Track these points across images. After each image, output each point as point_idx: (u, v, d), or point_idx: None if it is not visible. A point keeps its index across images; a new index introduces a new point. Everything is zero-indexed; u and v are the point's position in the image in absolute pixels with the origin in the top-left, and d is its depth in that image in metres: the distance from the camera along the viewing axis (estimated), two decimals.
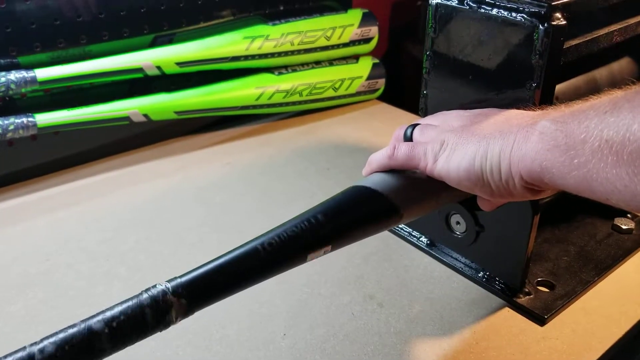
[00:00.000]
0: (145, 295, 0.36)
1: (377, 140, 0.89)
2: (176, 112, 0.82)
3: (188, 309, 0.37)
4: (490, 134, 0.43)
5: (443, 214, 0.61)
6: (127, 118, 0.78)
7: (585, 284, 0.59)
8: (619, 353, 0.53)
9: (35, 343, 0.33)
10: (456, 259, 0.62)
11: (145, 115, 0.80)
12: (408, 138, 0.50)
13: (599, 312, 0.56)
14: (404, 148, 0.48)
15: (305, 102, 0.93)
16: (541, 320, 0.55)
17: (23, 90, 0.72)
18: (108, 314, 0.34)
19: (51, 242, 0.66)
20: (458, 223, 0.60)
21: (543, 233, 0.66)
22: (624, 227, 0.66)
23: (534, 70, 0.49)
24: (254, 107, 0.89)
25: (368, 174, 0.50)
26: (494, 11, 0.51)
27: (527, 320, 0.55)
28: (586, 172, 0.35)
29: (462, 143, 0.44)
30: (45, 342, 0.32)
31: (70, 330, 0.33)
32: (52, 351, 0.32)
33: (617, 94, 0.35)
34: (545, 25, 0.47)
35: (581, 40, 0.53)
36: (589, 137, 0.35)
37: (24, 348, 0.33)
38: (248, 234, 0.43)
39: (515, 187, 0.42)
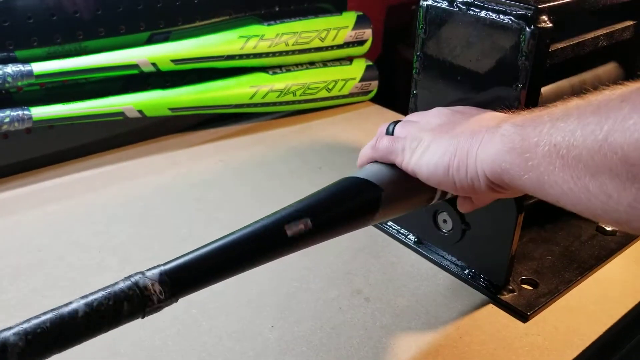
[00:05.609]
0: (127, 282, 0.37)
1: (369, 141, 0.90)
2: (170, 109, 0.83)
3: (171, 295, 0.38)
4: (461, 132, 0.45)
5: (430, 212, 0.62)
6: (121, 113, 0.79)
7: (568, 283, 0.60)
8: (600, 350, 0.54)
9: (9, 328, 0.33)
10: (442, 257, 0.63)
11: (140, 111, 0.80)
12: (390, 133, 0.52)
13: (581, 310, 0.57)
14: (385, 141, 0.50)
15: (299, 102, 0.94)
16: (524, 317, 0.56)
17: (19, 83, 0.72)
18: (88, 298, 0.35)
19: (43, 235, 0.67)
20: (445, 221, 0.61)
21: (529, 233, 0.67)
22: (608, 228, 0.67)
23: (520, 71, 0.50)
24: (248, 105, 0.90)
25: (359, 166, 0.52)
26: (483, 13, 0.52)
27: (510, 316, 0.56)
28: (539, 174, 0.37)
29: (436, 141, 0.46)
30: (18, 328, 0.32)
31: (45, 316, 0.33)
32: (19, 340, 0.32)
33: (573, 102, 0.37)
34: (532, 27, 0.49)
35: (567, 44, 0.54)
36: (541, 140, 0.36)
37: None
38: None
39: (480, 186, 0.43)
